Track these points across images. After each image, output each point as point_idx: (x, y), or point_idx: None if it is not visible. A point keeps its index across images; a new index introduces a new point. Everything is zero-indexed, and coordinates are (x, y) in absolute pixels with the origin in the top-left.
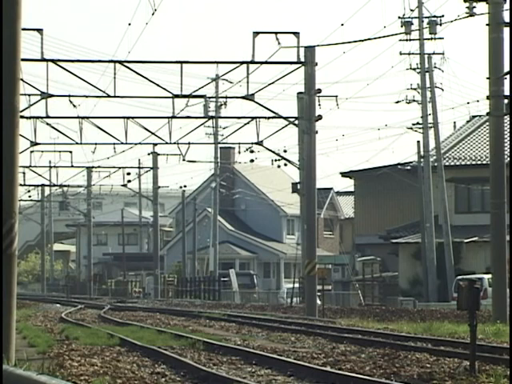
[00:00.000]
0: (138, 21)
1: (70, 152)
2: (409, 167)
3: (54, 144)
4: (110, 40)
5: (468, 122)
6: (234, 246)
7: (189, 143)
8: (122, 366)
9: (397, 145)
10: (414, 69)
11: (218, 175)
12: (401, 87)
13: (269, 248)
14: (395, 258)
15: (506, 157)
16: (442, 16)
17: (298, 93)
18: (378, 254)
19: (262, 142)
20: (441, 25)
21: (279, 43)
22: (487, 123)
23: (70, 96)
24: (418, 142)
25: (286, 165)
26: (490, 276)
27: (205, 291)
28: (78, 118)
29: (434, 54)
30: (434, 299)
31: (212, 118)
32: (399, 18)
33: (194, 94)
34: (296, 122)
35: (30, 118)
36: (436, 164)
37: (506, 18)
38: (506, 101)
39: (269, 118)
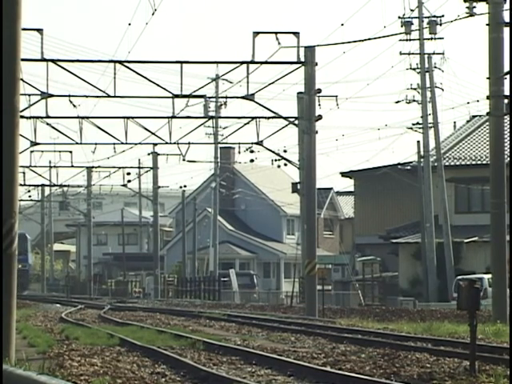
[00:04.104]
0: (138, 21)
1: (70, 152)
2: (409, 167)
3: (54, 144)
4: (110, 40)
5: (468, 121)
6: (234, 246)
7: (189, 143)
8: (122, 365)
9: (397, 145)
10: (414, 69)
11: (218, 175)
12: (401, 87)
13: (269, 248)
14: (395, 257)
15: (506, 157)
16: (442, 16)
17: (298, 93)
18: (377, 254)
19: (262, 142)
20: (441, 25)
21: (279, 43)
22: (487, 123)
23: (70, 96)
24: (418, 142)
25: (286, 165)
26: (490, 276)
27: (205, 291)
28: (78, 118)
29: (434, 54)
30: (434, 299)
31: (212, 117)
32: (399, 17)
33: (194, 94)
34: (296, 122)
35: (30, 117)
36: (436, 164)
37: (506, 18)
38: (506, 101)
39: (269, 117)
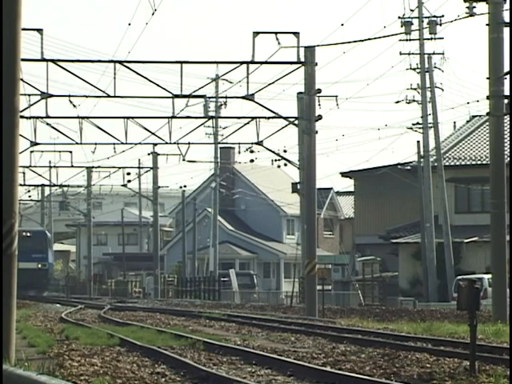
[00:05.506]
0: (138, 21)
1: (70, 152)
2: (409, 167)
3: (54, 144)
4: (110, 40)
5: (468, 121)
6: (234, 246)
7: (189, 143)
8: (122, 365)
9: (397, 145)
10: (414, 69)
11: (218, 175)
12: (401, 87)
13: (269, 248)
14: (395, 257)
15: (506, 157)
16: (442, 16)
17: (298, 93)
18: (377, 253)
19: (262, 142)
20: (441, 25)
21: (279, 43)
22: (487, 123)
23: (70, 96)
24: (418, 142)
25: (286, 165)
26: (489, 276)
27: (205, 291)
28: (78, 118)
29: (433, 54)
30: (434, 299)
31: (212, 117)
32: (399, 17)
33: (193, 94)
34: (296, 122)
35: (30, 117)
36: (436, 164)
37: (506, 18)
38: (506, 101)
39: (269, 118)
